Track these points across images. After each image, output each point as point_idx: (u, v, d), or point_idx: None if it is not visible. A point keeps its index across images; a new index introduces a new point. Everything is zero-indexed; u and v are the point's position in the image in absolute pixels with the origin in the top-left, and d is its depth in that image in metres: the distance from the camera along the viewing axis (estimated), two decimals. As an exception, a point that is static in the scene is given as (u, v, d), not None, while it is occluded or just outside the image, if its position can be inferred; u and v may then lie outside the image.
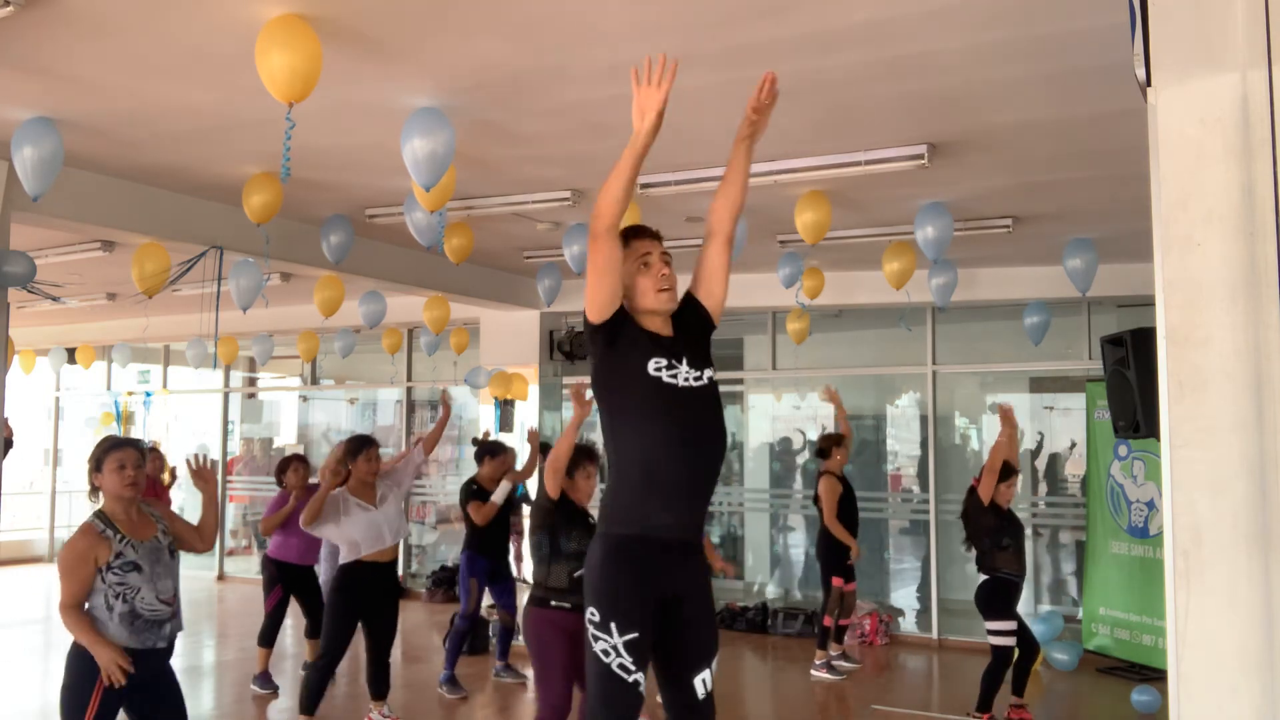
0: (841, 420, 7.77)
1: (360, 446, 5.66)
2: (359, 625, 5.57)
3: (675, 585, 2.91)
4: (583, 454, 4.62)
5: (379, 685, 5.70)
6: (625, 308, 2.96)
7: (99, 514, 3.72)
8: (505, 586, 7.11)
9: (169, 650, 3.77)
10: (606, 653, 2.79)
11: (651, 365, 2.89)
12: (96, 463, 3.75)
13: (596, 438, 5.82)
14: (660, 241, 3.05)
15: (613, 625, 2.80)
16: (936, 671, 7.90)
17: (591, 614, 2.85)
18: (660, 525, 2.88)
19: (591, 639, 2.83)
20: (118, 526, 3.67)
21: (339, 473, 5.65)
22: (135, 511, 3.76)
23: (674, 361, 2.92)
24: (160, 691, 3.75)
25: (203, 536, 3.98)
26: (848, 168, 5.40)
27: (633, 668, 2.79)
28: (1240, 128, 2.12)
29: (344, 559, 5.53)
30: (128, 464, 3.72)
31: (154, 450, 8.86)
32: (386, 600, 5.63)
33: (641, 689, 2.82)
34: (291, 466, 6.95)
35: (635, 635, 2.80)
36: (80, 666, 3.59)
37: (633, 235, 3.02)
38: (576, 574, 4.43)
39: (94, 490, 3.77)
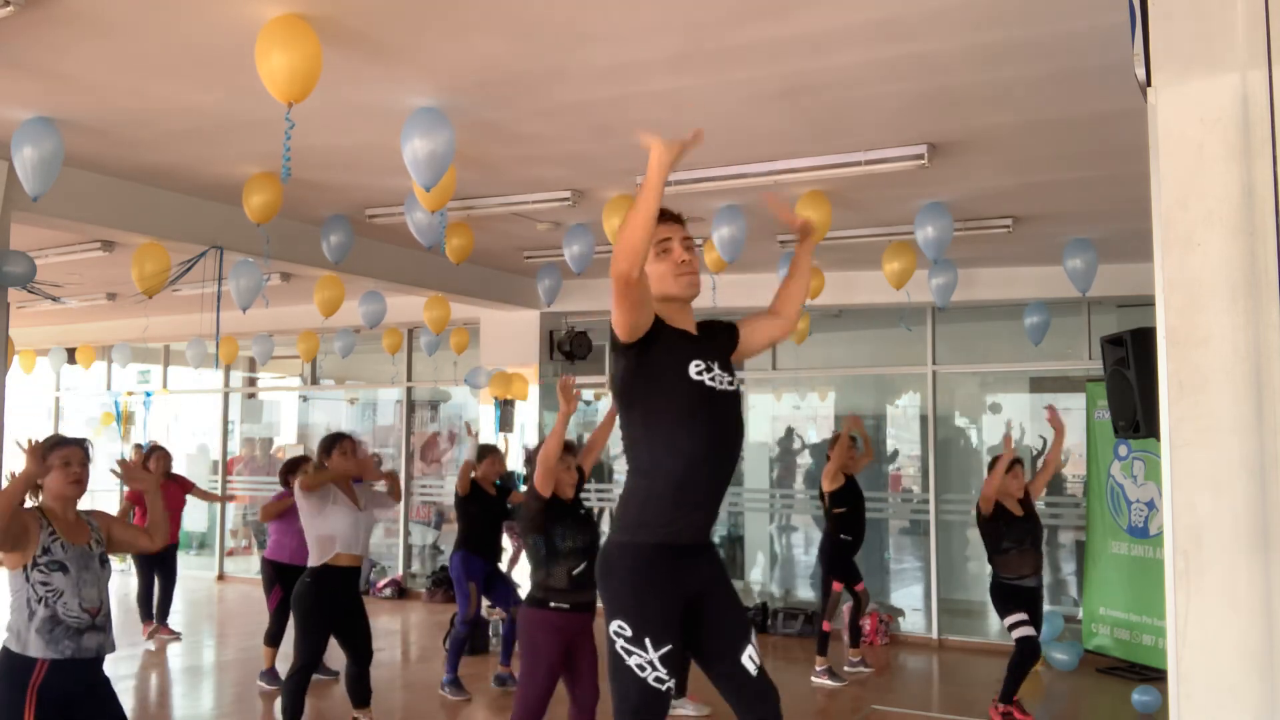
0: (865, 444, 7.83)
1: (332, 443, 5.51)
2: (331, 633, 5.43)
3: (698, 583, 2.87)
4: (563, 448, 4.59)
5: (361, 693, 5.54)
6: (657, 315, 2.80)
7: (37, 508, 3.63)
8: (504, 587, 7.08)
9: (97, 662, 3.63)
10: (642, 668, 2.74)
11: (693, 369, 2.79)
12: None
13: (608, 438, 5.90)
14: (682, 225, 2.91)
15: (647, 641, 2.74)
16: (936, 671, 7.90)
17: (621, 627, 2.76)
18: (685, 531, 2.84)
19: (623, 652, 2.76)
20: (53, 524, 3.59)
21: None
22: (73, 514, 3.68)
23: (710, 364, 2.83)
24: (94, 706, 3.63)
25: (151, 534, 3.90)
26: (848, 168, 5.40)
27: (666, 679, 2.76)
28: (1240, 128, 2.12)
29: (314, 561, 5.37)
30: (73, 462, 3.65)
31: (157, 449, 8.79)
32: (356, 604, 5.48)
33: (672, 693, 2.81)
34: (301, 468, 6.88)
35: (670, 648, 2.76)
36: (11, 679, 3.48)
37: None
38: (575, 571, 4.41)
39: (36, 488, 3.67)
